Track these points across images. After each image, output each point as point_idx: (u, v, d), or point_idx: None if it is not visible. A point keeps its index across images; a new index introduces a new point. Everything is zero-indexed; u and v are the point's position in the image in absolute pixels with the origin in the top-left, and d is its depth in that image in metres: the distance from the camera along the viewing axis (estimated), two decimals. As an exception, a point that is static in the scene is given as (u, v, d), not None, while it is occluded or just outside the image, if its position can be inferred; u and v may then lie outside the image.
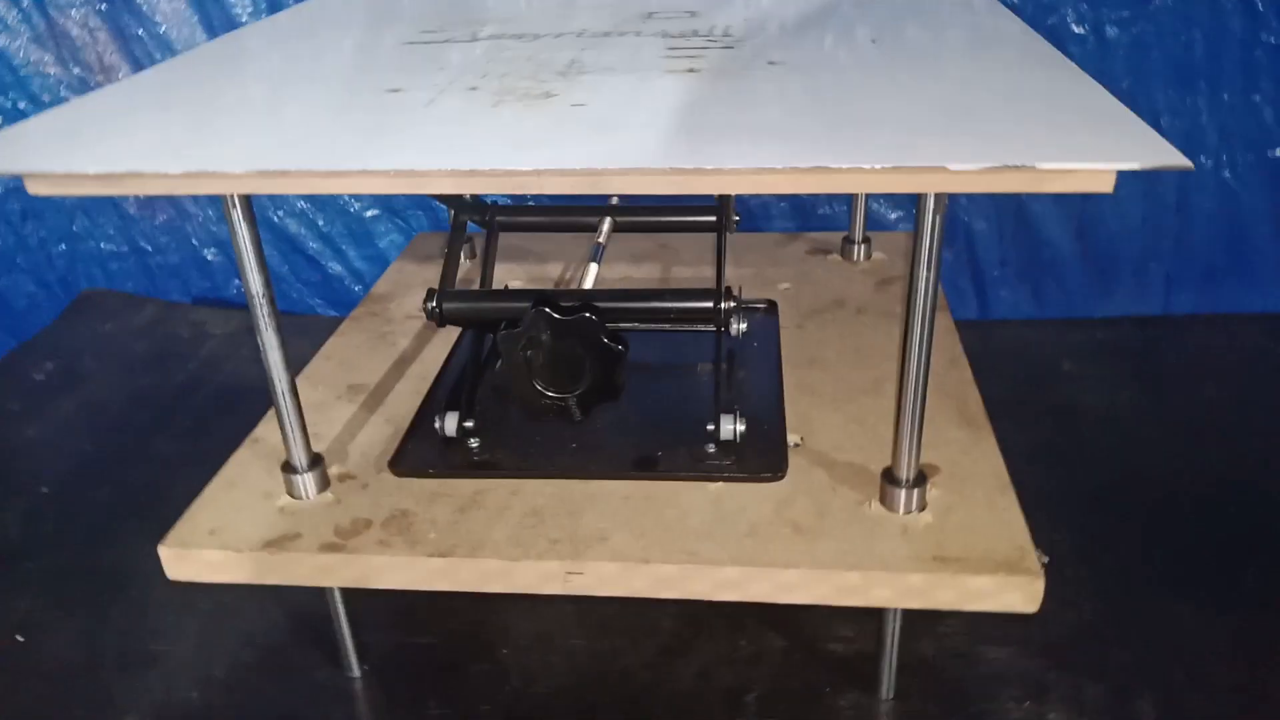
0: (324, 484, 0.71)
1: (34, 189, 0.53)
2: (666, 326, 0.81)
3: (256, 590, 0.74)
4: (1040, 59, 0.64)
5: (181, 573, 0.68)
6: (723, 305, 0.73)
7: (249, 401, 1.17)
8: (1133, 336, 1.28)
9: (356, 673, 0.80)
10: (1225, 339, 1.26)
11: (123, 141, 0.55)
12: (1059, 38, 1.24)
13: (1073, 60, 1.35)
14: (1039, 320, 1.34)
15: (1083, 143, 0.48)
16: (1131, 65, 1.24)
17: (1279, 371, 1.19)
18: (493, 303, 0.76)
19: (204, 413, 1.18)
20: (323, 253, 1.46)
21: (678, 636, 0.82)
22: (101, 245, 1.49)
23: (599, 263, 0.75)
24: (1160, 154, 0.46)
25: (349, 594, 0.77)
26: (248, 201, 0.60)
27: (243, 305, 1.50)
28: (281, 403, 0.67)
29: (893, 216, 1.34)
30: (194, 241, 1.49)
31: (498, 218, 0.89)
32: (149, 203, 1.47)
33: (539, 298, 0.65)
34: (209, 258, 1.49)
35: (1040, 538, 0.64)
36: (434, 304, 0.74)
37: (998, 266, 1.36)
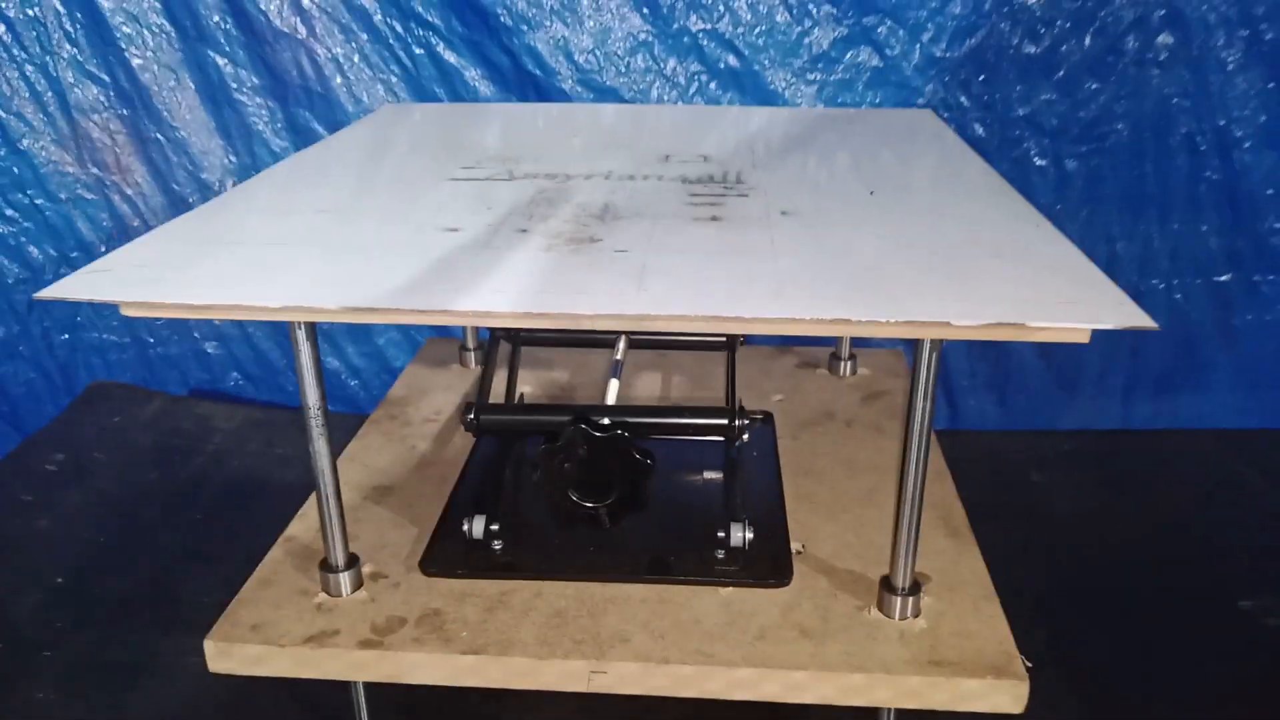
0: (359, 583, 0.76)
1: (131, 313, 0.59)
2: (677, 436, 0.87)
3: (271, 682, 0.77)
4: (1023, 218, 0.73)
5: (224, 666, 0.72)
6: (737, 422, 0.80)
7: (255, 496, 1.23)
8: (1096, 447, 1.36)
9: (373, 765, 0.84)
10: (1182, 450, 1.35)
11: (205, 273, 0.62)
12: (1023, 169, 1.35)
13: (1035, 188, 1.44)
14: (1007, 430, 1.43)
15: (1064, 303, 0.56)
16: (1089, 195, 1.35)
17: (1232, 480, 1.29)
18: (531, 416, 0.82)
19: (212, 507, 1.22)
20: (321, 348, 1.51)
21: (680, 730, 0.86)
22: (104, 336, 1.54)
23: (619, 379, 0.82)
24: (1130, 316, 0.54)
25: (369, 686, 0.81)
26: (313, 327, 0.66)
27: (242, 399, 1.54)
28: (326, 506, 0.72)
29: (869, 329, 1.43)
30: (195, 334, 1.54)
31: (522, 333, 0.96)
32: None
33: (575, 414, 0.71)
34: (209, 350, 1.54)
35: (1017, 638, 0.70)
36: (472, 416, 0.80)
37: (966, 377, 1.45)
